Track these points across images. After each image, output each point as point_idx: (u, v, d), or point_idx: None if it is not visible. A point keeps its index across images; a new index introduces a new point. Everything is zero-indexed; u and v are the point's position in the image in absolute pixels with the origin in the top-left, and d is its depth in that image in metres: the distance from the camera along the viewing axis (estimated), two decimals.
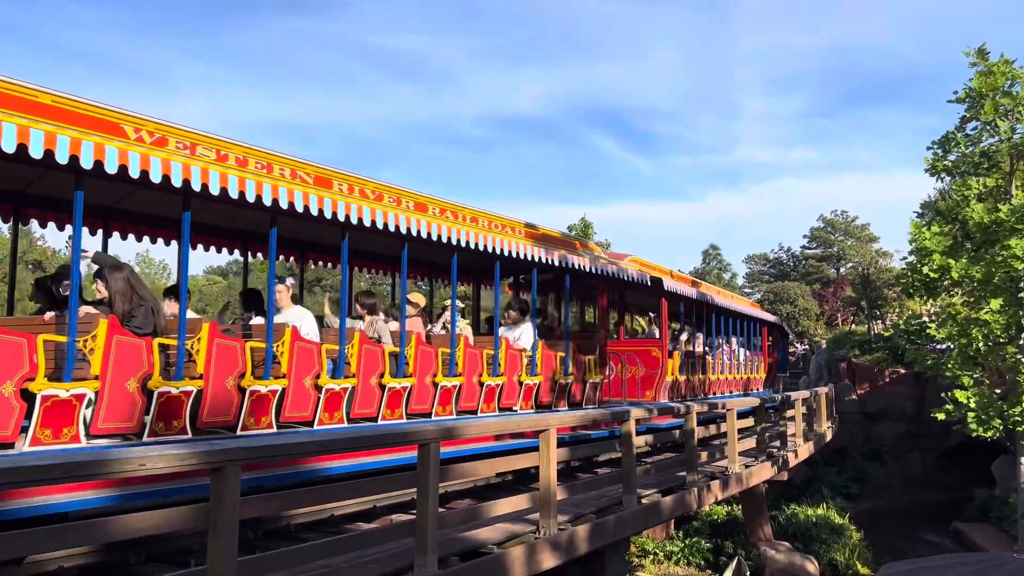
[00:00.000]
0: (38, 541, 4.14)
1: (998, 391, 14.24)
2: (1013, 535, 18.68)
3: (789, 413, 16.88)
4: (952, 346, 14.92)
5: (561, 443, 8.53)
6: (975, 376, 14.56)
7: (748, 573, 14.72)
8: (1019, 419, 13.57)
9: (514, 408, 10.42)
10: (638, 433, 9.49)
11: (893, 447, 29.62)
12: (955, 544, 21.23)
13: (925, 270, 14.36)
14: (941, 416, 14.80)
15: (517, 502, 7.35)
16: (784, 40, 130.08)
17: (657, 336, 15.51)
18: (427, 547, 5.49)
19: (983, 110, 14.67)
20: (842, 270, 67.53)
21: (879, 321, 42.43)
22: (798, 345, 47.58)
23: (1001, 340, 13.86)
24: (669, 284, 14.44)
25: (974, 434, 14.13)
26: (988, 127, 15.10)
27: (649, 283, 13.54)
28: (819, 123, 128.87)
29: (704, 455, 12.44)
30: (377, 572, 5.58)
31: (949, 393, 14.56)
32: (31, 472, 3.52)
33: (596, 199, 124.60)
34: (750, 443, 14.34)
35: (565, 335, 11.62)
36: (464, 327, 10.42)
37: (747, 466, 12.81)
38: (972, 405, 13.94)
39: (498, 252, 9.57)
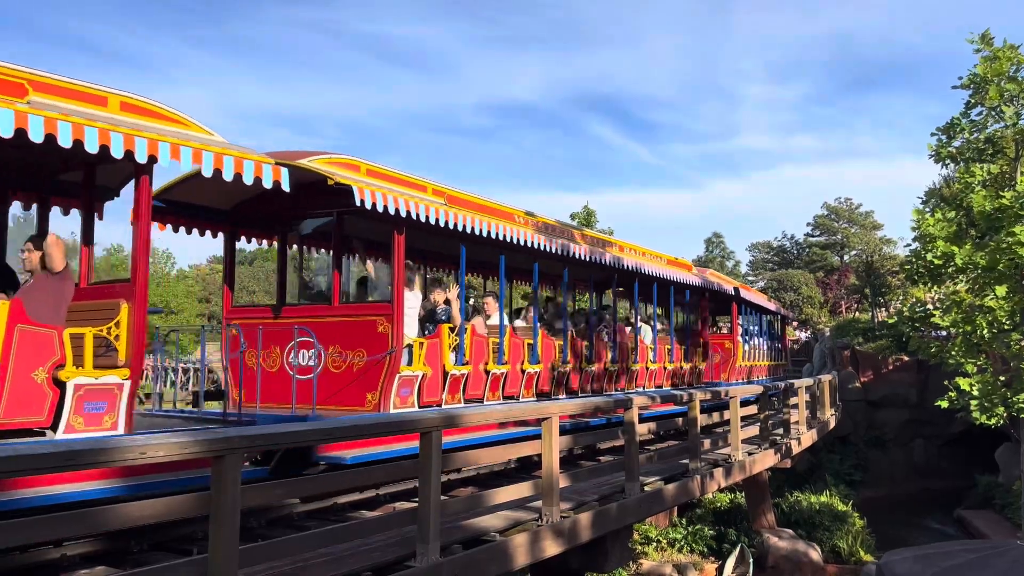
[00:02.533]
0: (38, 529, 4.13)
1: (1002, 378, 14.20)
2: (1016, 522, 18.68)
3: (792, 401, 16.87)
4: (956, 333, 14.87)
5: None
6: (979, 363, 14.52)
7: (751, 560, 14.76)
8: (1023, 406, 13.53)
9: None
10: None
11: (896, 435, 29.65)
12: (958, 531, 21.27)
13: (929, 257, 14.29)
14: (944, 404, 14.77)
15: (520, 490, 7.35)
16: (784, 27, 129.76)
17: (388, 300, 8.71)
18: (429, 535, 5.48)
19: (988, 96, 14.57)
20: (846, 258, 67.42)
21: (883, 309, 42.39)
22: (801, 333, 47.57)
23: (1006, 327, 13.80)
24: (363, 195, 7.70)
25: (977, 422, 14.10)
26: (993, 113, 15.01)
27: (282, 185, 6.65)
28: (820, 110, 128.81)
29: (707, 443, 12.42)
30: (379, 560, 5.57)
31: (952, 381, 14.53)
32: (30, 460, 3.51)
33: (597, 187, 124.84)
34: (753, 431, 14.34)
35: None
36: None
37: (750, 454, 12.81)
38: (975, 392, 13.91)
39: None
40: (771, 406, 14.95)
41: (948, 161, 16.04)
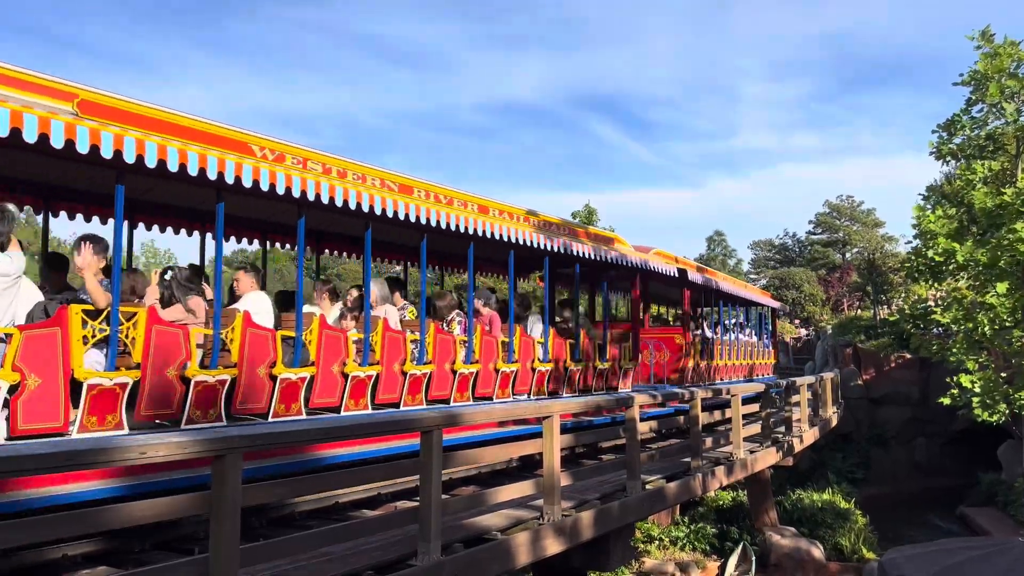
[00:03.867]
0: (38, 529, 4.14)
1: (1003, 375, 14.19)
2: (1019, 519, 18.68)
3: (794, 399, 16.85)
4: (958, 330, 14.87)
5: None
6: (980, 360, 14.52)
7: (754, 558, 14.74)
8: None
9: None
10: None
11: (898, 432, 29.61)
12: (961, 529, 21.23)
13: (930, 254, 14.29)
14: (947, 402, 14.78)
15: (521, 488, 7.34)
16: (783, 25, 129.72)
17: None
18: (430, 534, 5.49)
19: (989, 92, 14.57)
20: (847, 255, 67.38)
21: (885, 306, 42.36)
22: (803, 331, 47.56)
23: (1007, 324, 13.80)
24: None
25: (979, 419, 14.10)
26: (994, 110, 15.01)
27: None
28: (820, 108, 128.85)
29: (708, 441, 12.41)
30: (380, 559, 5.57)
31: (954, 378, 14.52)
32: (31, 460, 3.51)
33: (598, 186, 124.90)
34: (755, 428, 14.32)
35: None
36: None
37: (752, 452, 12.79)
38: (977, 390, 13.91)
39: None
40: (773, 404, 14.92)
41: (949, 158, 16.06)
